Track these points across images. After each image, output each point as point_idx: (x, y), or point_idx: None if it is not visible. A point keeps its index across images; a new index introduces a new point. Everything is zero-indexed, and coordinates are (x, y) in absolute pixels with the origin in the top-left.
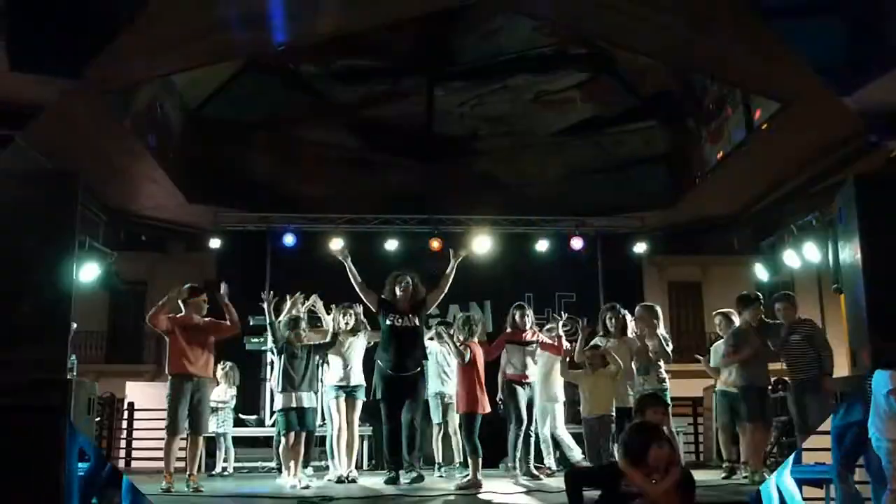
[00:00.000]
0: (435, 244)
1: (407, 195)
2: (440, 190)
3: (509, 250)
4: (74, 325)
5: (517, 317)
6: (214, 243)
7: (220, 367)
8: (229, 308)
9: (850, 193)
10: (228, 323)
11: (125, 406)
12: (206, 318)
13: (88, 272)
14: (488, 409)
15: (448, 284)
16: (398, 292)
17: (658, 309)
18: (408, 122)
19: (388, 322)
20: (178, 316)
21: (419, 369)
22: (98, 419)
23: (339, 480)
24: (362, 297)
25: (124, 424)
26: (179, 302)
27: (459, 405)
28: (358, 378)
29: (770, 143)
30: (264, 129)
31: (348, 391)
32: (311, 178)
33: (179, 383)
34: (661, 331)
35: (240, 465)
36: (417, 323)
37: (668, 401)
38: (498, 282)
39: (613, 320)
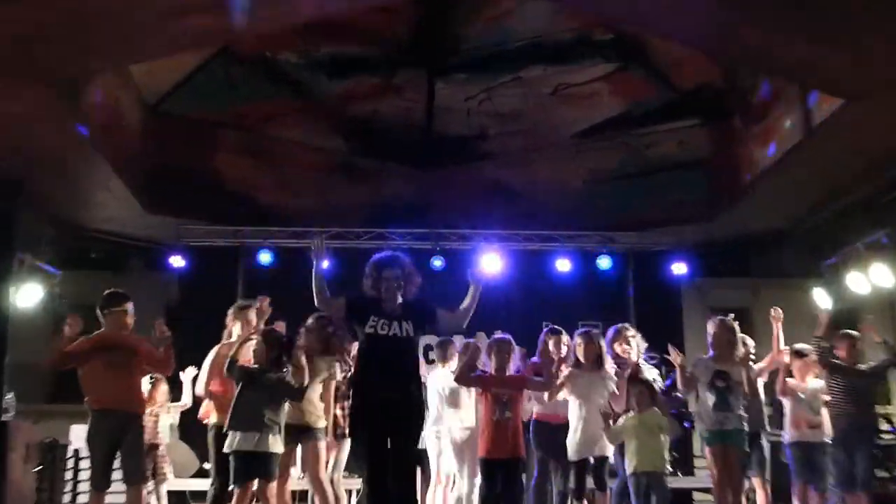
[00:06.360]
0: (437, 263)
1: (403, 206)
2: (442, 200)
3: (523, 271)
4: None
5: (551, 344)
6: (177, 261)
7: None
8: (168, 347)
9: None
10: (161, 356)
11: (70, 453)
12: (137, 337)
13: (29, 295)
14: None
15: (470, 312)
16: (384, 286)
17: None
18: (404, 120)
19: (368, 329)
20: (90, 336)
21: (412, 393)
22: (39, 468)
23: None
24: (324, 307)
25: (69, 475)
26: (99, 315)
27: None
28: (318, 413)
29: (831, 146)
30: (236, 127)
31: (304, 432)
32: (291, 185)
33: (97, 420)
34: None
35: None
36: (411, 333)
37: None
38: (509, 308)
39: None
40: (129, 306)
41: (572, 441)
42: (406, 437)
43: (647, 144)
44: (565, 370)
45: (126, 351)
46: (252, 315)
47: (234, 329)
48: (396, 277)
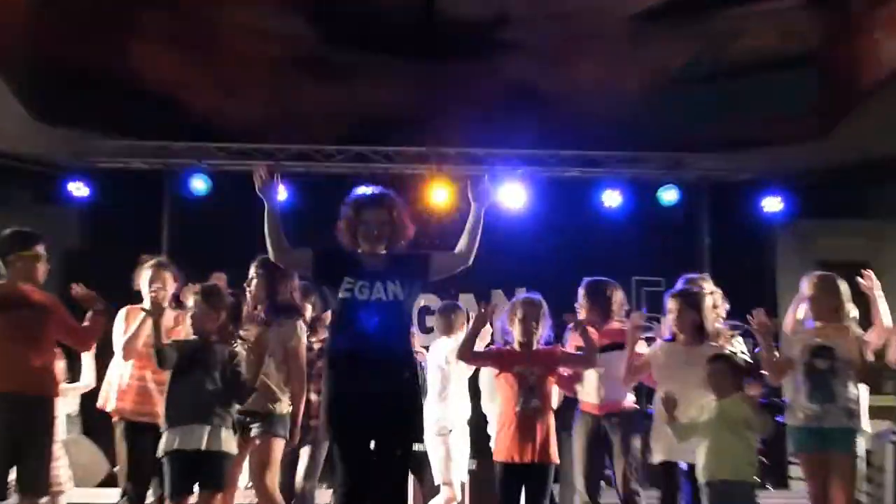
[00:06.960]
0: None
1: (393, 115)
2: (446, 107)
3: (557, 206)
4: None
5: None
6: (79, 189)
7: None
8: (101, 314)
9: None
10: (86, 325)
11: None
12: (50, 295)
13: None
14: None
15: (474, 245)
16: (362, 231)
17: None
18: None
19: (342, 294)
20: None
21: (404, 380)
22: None
23: None
24: (282, 261)
25: None
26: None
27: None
28: (276, 393)
29: None
30: (161, 7)
31: (264, 424)
32: (236, 86)
33: None
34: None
35: None
36: (400, 296)
37: None
38: (538, 257)
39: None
40: (42, 250)
41: (657, 438)
42: (397, 437)
43: (731, 33)
44: (644, 346)
45: (36, 311)
46: (170, 277)
47: (143, 283)
48: (381, 222)
